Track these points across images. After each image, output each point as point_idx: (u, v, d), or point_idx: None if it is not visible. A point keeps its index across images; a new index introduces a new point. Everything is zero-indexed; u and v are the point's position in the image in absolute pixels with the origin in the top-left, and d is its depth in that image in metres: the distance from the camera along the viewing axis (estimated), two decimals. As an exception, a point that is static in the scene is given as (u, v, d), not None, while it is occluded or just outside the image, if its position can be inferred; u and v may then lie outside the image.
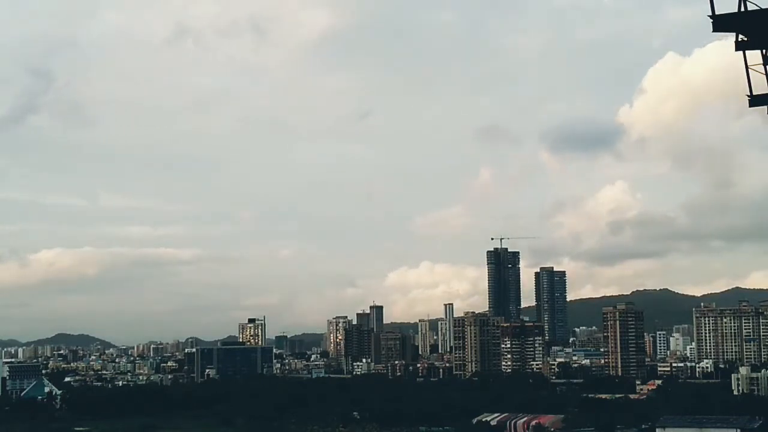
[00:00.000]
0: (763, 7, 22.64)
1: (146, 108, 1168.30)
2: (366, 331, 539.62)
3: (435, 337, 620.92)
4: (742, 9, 22.56)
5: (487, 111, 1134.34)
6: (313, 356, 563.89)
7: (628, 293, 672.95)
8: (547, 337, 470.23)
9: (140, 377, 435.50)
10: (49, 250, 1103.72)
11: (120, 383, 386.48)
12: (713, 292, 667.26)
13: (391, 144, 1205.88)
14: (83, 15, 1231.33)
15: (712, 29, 22.98)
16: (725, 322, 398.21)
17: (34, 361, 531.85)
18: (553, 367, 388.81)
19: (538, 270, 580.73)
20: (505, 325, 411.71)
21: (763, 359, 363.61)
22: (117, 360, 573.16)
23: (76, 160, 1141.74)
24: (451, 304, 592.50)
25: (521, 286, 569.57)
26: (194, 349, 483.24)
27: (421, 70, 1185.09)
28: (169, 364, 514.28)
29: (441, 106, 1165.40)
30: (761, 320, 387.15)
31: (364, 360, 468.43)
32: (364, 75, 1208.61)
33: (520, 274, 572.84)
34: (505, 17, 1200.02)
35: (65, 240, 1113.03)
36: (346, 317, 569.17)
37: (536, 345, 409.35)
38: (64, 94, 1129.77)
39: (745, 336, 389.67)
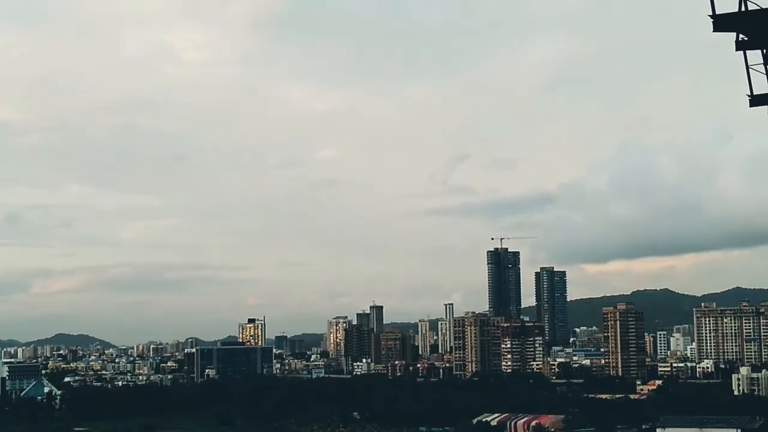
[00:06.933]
0: (763, 6, 22.51)
1: (129, 105, 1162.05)
2: (366, 331, 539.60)
3: (435, 337, 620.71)
4: (743, 8, 22.43)
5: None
6: (313, 356, 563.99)
7: (629, 293, 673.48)
8: (547, 337, 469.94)
9: (140, 377, 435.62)
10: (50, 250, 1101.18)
11: (120, 383, 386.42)
12: (714, 291, 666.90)
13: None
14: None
15: (712, 29, 22.85)
16: (726, 322, 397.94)
17: (34, 361, 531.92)
18: (553, 367, 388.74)
19: (538, 270, 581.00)
20: (505, 325, 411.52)
21: (763, 359, 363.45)
22: (117, 360, 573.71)
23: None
24: (451, 304, 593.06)
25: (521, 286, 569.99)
26: (194, 349, 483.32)
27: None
28: (169, 364, 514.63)
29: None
30: (762, 320, 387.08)
31: (364, 360, 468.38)
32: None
33: (520, 274, 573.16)
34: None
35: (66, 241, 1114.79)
36: (346, 317, 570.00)
37: (536, 345, 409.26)
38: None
39: (746, 336, 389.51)
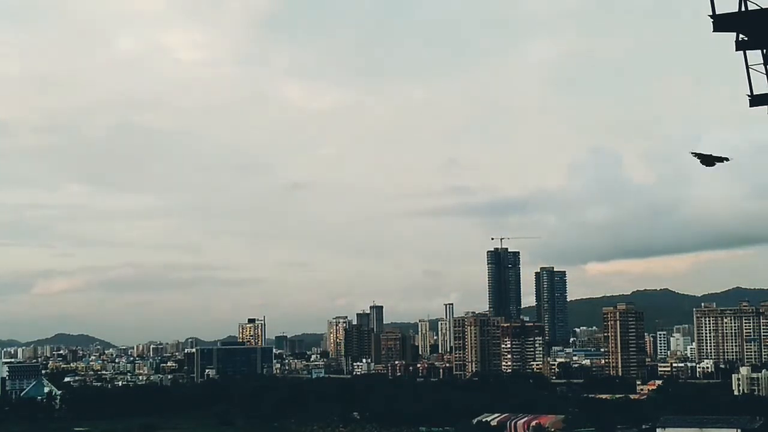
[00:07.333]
0: (763, 6, 22.52)
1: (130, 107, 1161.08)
2: (366, 331, 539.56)
3: (435, 337, 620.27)
4: (743, 8, 22.43)
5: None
6: (313, 356, 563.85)
7: (629, 293, 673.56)
8: (547, 337, 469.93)
9: (140, 377, 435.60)
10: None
11: (120, 383, 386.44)
12: (714, 291, 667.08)
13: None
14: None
15: (712, 29, 22.86)
16: (726, 322, 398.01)
17: (34, 361, 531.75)
18: (553, 367, 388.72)
19: (538, 270, 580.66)
20: (505, 325, 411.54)
21: (763, 359, 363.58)
22: (117, 360, 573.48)
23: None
24: (451, 304, 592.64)
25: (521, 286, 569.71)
26: (194, 349, 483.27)
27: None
28: (169, 364, 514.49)
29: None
30: (762, 320, 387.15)
31: (364, 360, 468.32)
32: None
33: (520, 274, 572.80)
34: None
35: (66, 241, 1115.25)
36: (346, 317, 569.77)
37: (536, 345, 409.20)
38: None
39: (746, 336, 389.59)
